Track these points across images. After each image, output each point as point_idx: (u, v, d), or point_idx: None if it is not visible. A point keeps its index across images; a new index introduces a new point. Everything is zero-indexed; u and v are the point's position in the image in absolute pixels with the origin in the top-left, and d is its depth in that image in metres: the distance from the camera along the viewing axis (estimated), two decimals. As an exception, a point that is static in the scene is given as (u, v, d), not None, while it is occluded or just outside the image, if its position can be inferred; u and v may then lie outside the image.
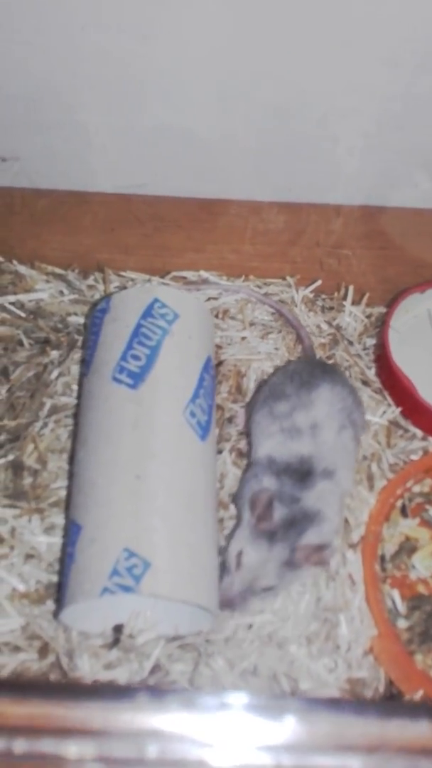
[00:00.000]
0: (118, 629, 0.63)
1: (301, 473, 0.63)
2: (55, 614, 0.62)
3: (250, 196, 0.90)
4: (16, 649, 0.62)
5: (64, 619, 0.60)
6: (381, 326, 0.82)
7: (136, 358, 0.66)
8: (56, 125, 0.84)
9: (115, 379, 0.66)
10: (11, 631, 0.63)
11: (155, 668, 0.62)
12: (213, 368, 0.72)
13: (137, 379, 0.65)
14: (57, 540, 0.67)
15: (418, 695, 0.60)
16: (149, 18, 0.71)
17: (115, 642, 0.63)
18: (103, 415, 0.65)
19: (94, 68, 0.78)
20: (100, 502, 0.61)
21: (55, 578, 0.65)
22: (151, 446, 0.62)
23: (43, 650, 0.62)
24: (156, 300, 0.70)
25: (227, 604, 0.61)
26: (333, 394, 0.68)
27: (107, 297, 0.72)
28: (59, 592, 0.62)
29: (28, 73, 0.77)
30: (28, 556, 0.67)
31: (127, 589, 0.56)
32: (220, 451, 0.73)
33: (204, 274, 0.87)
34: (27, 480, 0.71)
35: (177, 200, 0.90)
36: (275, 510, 0.61)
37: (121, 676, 0.62)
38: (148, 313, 0.69)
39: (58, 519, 0.68)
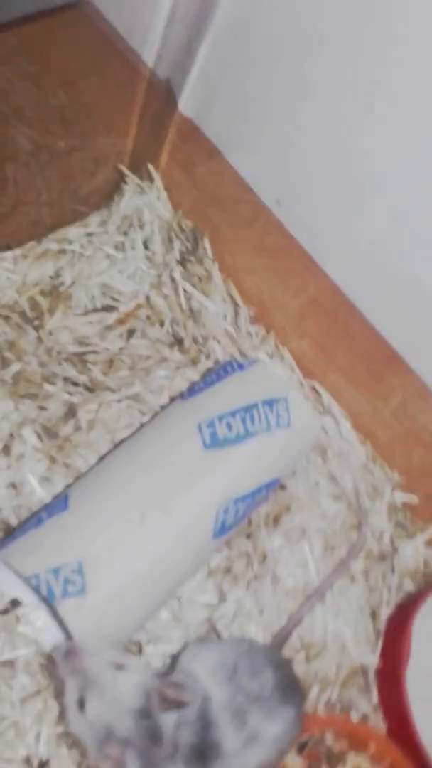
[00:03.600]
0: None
1: None
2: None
3: None
4: None
5: None
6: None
7: (228, 426, 0.65)
8: None
9: (198, 427, 0.64)
10: None
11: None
12: (275, 490, 0.69)
13: (214, 443, 0.64)
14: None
15: None
16: None
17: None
18: (166, 449, 0.64)
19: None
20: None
21: None
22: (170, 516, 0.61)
23: None
24: (285, 399, 0.68)
25: None
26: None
27: (252, 360, 0.72)
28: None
29: None
30: None
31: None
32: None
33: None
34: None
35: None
36: None
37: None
38: (270, 402, 0.67)
39: None
